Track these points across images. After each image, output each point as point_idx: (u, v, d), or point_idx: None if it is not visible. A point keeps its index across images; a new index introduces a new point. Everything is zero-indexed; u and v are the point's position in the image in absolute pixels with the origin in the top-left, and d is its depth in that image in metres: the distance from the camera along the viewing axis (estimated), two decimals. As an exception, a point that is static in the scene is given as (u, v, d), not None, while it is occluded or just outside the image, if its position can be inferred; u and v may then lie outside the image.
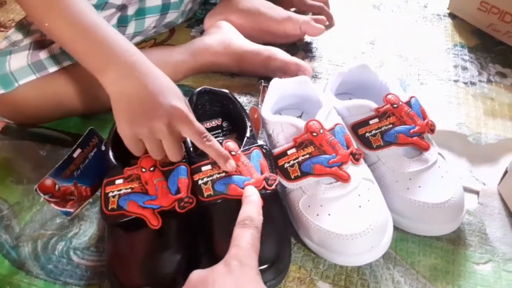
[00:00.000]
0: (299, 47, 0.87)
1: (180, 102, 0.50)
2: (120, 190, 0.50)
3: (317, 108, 0.57)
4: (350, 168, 0.52)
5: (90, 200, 0.60)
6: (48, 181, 0.54)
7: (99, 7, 0.72)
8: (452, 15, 0.93)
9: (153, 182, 0.49)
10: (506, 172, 0.58)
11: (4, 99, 0.64)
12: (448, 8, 0.94)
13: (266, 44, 0.79)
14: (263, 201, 0.47)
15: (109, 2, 0.74)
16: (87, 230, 0.57)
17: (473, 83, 0.77)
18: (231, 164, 0.49)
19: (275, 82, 0.61)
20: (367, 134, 0.56)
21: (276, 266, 0.48)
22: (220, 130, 0.63)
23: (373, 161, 0.56)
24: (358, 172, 0.52)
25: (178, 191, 0.50)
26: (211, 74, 0.81)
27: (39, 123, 0.71)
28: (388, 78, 0.61)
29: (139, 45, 0.86)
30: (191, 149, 0.54)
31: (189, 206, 0.49)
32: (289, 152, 0.53)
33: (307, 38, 0.89)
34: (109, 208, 0.49)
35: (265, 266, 0.46)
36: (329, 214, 0.50)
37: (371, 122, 0.56)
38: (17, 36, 0.69)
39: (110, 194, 0.50)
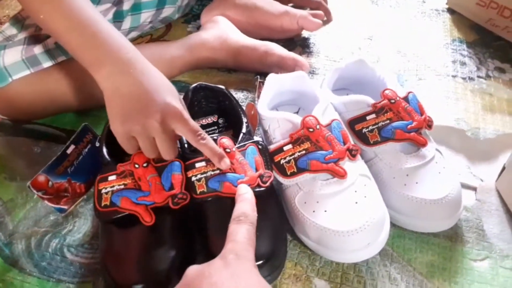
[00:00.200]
0: (297, 43, 0.86)
1: (174, 99, 0.50)
2: (113, 186, 0.49)
3: (314, 103, 0.56)
4: (346, 164, 0.52)
5: (85, 196, 0.59)
6: (41, 178, 0.53)
7: (95, 1, 0.72)
8: (450, 10, 0.93)
9: (146, 178, 0.49)
10: (504, 168, 0.58)
11: (-3, 94, 0.64)
12: (446, 3, 0.94)
13: (263, 39, 0.78)
14: (256, 199, 0.47)
15: (104, -4, 0.73)
16: (81, 227, 0.57)
17: (471, 78, 0.76)
18: (225, 163, 0.49)
19: (271, 78, 0.60)
20: (364, 130, 0.55)
21: (271, 262, 0.47)
22: (216, 127, 0.62)
23: (370, 157, 0.55)
24: (354, 168, 0.52)
25: (171, 187, 0.49)
26: (208, 69, 0.80)
27: (33, 119, 0.70)
28: (386, 73, 0.60)
29: (135, 40, 0.86)
30: (186, 145, 0.53)
31: (183, 203, 0.49)
32: (285, 148, 0.53)
33: (305, 34, 0.88)
34: (102, 204, 0.48)
35: (260, 262, 0.45)
36: (325, 211, 0.49)
37: (368, 117, 0.55)
38: (11, 30, 0.69)
39: (103, 190, 0.49)
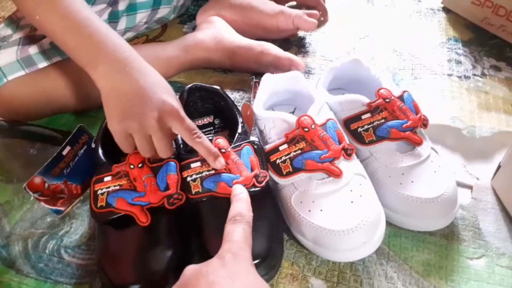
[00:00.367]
0: (292, 43, 0.86)
1: (171, 98, 0.50)
2: (109, 187, 0.49)
3: (309, 103, 0.56)
4: (342, 164, 0.52)
5: (81, 198, 0.59)
6: (37, 179, 0.53)
7: (90, 1, 0.72)
8: (446, 9, 0.93)
9: (142, 179, 0.49)
10: (499, 166, 0.58)
11: (-8, 95, 0.64)
12: (442, 2, 0.94)
13: (259, 39, 0.78)
14: (252, 199, 0.47)
15: (100, -3, 0.73)
16: (78, 228, 0.57)
17: (467, 77, 0.76)
18: (220, 162, 0.49)
19: (266, 78, 0.61)
20: (359, 129, 0.55)
21: (267, 261, 0.47)
22: (212, 128, 0.62)
23: (366, 156, 0.56)
24: (350, 167, 0.52)
25: (167, 188, 0.49)
26: (204, 70, 0.80)
27: (29, 120, 0.70)
28: (381, 72, 0.60)
29: (131, 41, 0.86)
30: (181, 145, 0.53)
31: (179, 203, 0.49)
32: (280, 148, 0.53)
33: (300, 34, 0.88)
34: (98, 205, 0.48)
35: (257, 261, 0.45)
36: (321, 210, 0.49)
37: (363, 117, 0.55)
38: (6, 31, 0.68)
39: (99, 191, 0.49)
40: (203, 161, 0.50)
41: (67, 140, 0.56)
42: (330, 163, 0.51)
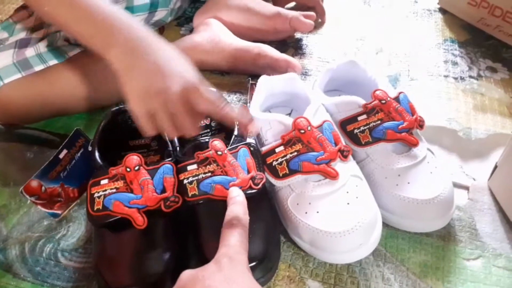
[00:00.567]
0: (289, 44, 0.86)
1: (190, 71, 0.49)
2: (105, 190, 0.49)
3: (306, 105, 0.56)
4: (338, 165, 0.52)
5: (78, 201, 0.59)
6: (34, 183, 0.53)
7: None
8: (442, 10, 0.93)
9: (138, 182, 0.49)
10: (496, 167, 0.58)
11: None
12: (438, 3, 0.94)
13: (256, 41, 0.79)
14: (249, 201, 0.47)
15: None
16: (75, 231, 0.57)
17: (463, 78, 0.76)
18: (255, 128, 0.49)
19: (263, 80, 0.61)
20: (355, 131, 0.55)
21: (264, 264, 0.47)
22: (208, 130, 0.62)
23: (362, 157, 0.56)
24: (346, 169, 0.52)
25: (163, 190, 0.49)
26: (201, 72, 0.80)
27: (26, 123, 0.70)
28: (377, 74, 0.60)
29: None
30: (178, 148, 0.53)
31: (175, 206, 0.49)
32: (277, 150, 0.53)
33: (297, 35, 0.88)
34: (95, 208, 0.48)
35: (253, 263, 0.45)
36: (317, 212, 0.50)
37: (359, 118, 0.55)
38: (2, 34, 0.68)
39: (96, 194, 0.49)
40: (200, 164, 0.50)
41: (63, 144, 0.55)
42: (326, 165, 0.51)
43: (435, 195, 0.51)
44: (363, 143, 0.55)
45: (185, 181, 0.50)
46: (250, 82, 0.67)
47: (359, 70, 0.62)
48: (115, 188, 0.49)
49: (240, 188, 0.49)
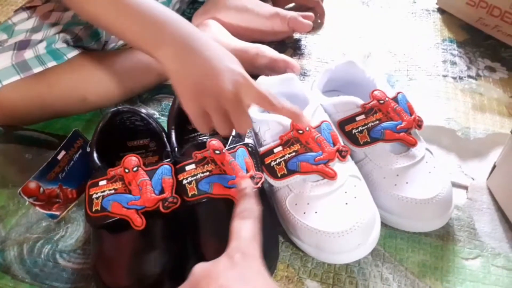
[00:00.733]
0: (288, 45, 0.86)
1: (239, 67, 0.49)
2: (104, 191, 0.49)
3: (304, 105, 0.56)
4: (336, 165, 0.52)
5: (76, 202, 0.59)
6: (32, 184, 0.53)
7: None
8: (441, 10, 0.93)
9: (137, 183, 0.49)
10: (494, 166, 0.58)
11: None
12: (436, 3, 0.94)
13: (255, 42, 0.79)
14: None
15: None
16: (73, 232, 0.57)
17: (461, 78, 0.76)
18: (306, 120, 0.49)
19: (261, 80, 0.61)
20: (353, 131, 0.55)
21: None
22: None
23: (360, 157, 0.56)
24: (344, 169, 0.52)
25: (162, 191, 0.49)
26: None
27: (24, 124, 0.70)
28: (375, 74, 0.60)
29: (126, 45, 0.85)
30: (176, 149, 0.53)
31: (174, 206, 0.49)
32: (275, 150, 0.53)
33: (296, 36, 0.88)
34: (93, 210, 0.48)
35: (252, 264, 0.45)
36: (316, 212, 0.50)
37: (357, 118, 0.55)
38: (1, 36, 0.68)
39: (94, 195, 0.49)
40: (198, 163, 0.50)
41: (62, 145, 0.56)
42: (325, 165, 0.51)
43: (433, 194, 0.51)
44: (361, 143, 0.55)
45: (184, 182, 0.50)
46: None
47: (357, 71, 0.62)
48: (114, 189, 0.49)
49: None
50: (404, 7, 0.95)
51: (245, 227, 0.40)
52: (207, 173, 0.49)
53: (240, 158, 0.51)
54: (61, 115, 0.71)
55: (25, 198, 0.52)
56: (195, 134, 0.61)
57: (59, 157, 0.55)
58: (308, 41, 0.87)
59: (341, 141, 0.54)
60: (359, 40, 0.87)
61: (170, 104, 0.60)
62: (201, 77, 0.47)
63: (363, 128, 0.55)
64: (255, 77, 0.63)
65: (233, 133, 0.54)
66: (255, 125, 0.57)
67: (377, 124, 0.54)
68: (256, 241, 0.40)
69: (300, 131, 0.52)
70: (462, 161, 0.63)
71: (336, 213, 0.49)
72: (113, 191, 0.49)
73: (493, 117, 0.69)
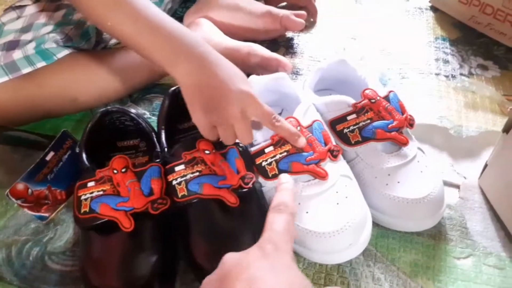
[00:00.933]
0: (280, 43, 0.86)
1: (247, 86, 0.51)
2: (92, 192, 0.48)
3: (296, 104, 0.56)
4: (328, 165, 0.51)
5: (66, 203, 0.58)
6: (20, 186, 0.52)
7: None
8: (433, 8, 0.93)
9: (125, 184, 0.48)
10: (486, 165, 0.58)
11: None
12: (429, 1, 0.94)
13: (247, 41, 0.78)
14: (239, 200, 0.46)
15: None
16: (62, 234, 0.56)
17: (454, 76, 0.76)
18: (303, 141, 0.51)
19: (253, 79, 0.60)
20: (345, 130, 0.55)
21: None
22: (197, 130, 0.61)
23: (352, 157, 0.55)
24: (336, 168, 0.52)
25: (151, 193, 0.49)
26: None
27: (14, 125, 0.69)
28: (367, 72, 0.60)
29: (118, 44, 0.85)
30: (166, 149, 0.53)
31: (163, 208, 0.48)
32: (266, 150, 0.52)
33: (288, 34, 0.88)
34: (82, 211, 0.48)
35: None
36: (307, 212, 0.49)
37: (348, 118, 0.55)
38: (-10, 37, 0.68)
39: (83, 197, 0.48)
40: (187, 164, 0.50)
41: (50, 145, 0.55)
42: (316, 165, 0.51)
43: (425, 194, 0.51)
44: (352, 142, 0.54)
45: (174, 182, 0.49)
46: (240, 82, 0.66)
47: (349, 69, 0.61)
48: (102, 190, 0.49)
49: (230, 187, 0.49)
50: (397, 5, 0.95)
51: (279, 221, 0.40)
52: (197, 174, 0.49)
53: (231, 158, 0.51)
54: (52, 115, 0.71)
55: (13, 200, 0.52)
56: (186, 134, 0.60)
57: (48, 158, 0.55)
58: (300, 40, 0.87)
59: (333, 140, 0.54)
60: (352, 38, 0.86)
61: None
62: (209, 94, 0.49)
63: (355, 127, 0.54)
64: (248, 76, 0.63)
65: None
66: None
67: (369, 124, 0.54)
68: (289, 236, 0.40)
69: (291, 131, 0.52)
70: (454, 160, 0.63)
71: (327, 213, 0.49)
72: (101, 193, 0.48)
73: (486, 115, 0.69)
